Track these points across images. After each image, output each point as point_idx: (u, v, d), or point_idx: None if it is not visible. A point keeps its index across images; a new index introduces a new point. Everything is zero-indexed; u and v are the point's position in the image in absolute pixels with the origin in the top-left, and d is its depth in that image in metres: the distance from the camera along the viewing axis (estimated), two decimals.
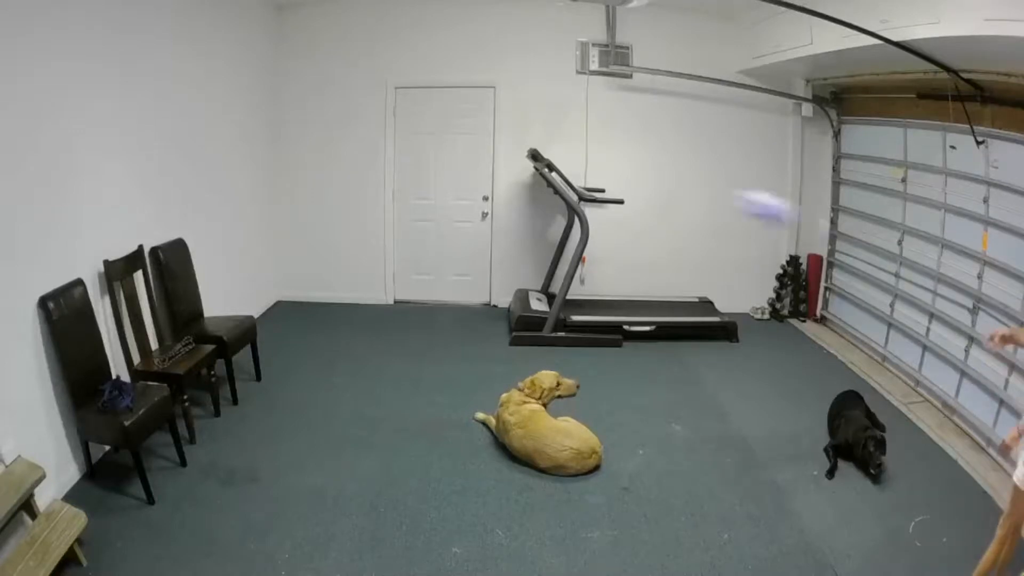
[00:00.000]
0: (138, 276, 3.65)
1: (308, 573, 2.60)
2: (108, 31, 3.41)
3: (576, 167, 5.77)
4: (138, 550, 2.68)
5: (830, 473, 3.39)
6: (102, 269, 3.35)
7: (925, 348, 4.42)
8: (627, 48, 5.76)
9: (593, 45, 5.77)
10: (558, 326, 5.22)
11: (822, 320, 5.93)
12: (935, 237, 4.33)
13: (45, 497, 2.70)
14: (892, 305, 4.83)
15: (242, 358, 4.20)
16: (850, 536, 2.89)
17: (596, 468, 3.37)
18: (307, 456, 3.47)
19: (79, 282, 3.10)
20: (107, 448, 3.32)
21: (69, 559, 2.48)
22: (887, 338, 4.91)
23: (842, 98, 5.59)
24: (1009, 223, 3.65)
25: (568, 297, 5.29)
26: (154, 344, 3.75)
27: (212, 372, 3.80)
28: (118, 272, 3.43)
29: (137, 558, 2.63)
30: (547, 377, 3.71)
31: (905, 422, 4.04)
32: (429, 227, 6.16)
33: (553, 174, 5.22)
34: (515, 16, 5.76)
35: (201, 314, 4.21)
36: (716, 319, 5.49)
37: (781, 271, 6.12)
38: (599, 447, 3.40)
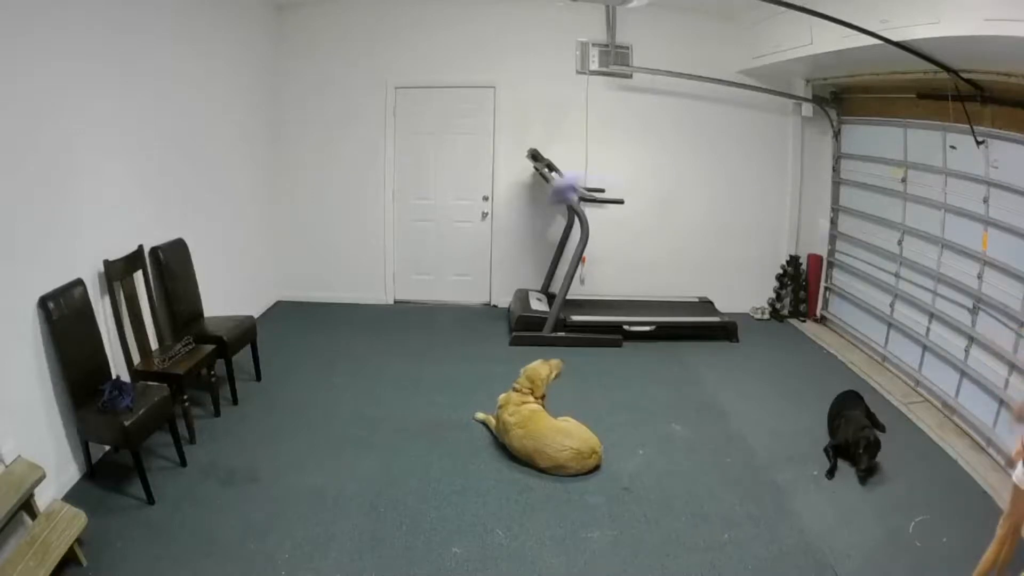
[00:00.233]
0: (138, 276, 3.65)
1: (308, 573, 2.60)
2: (108, 31, 3.41)
3: (576, 167, 5.76)
4: (138, 550, 2.68)
5: (830, 473, 3.39)
6: (102, 269, 3.35)
7: (925, 348, 4.42)
8: (627, 48, 5.76)
9: (593, 45, 5.77)
10: (558, 326, 5.22)
11: (822, 320, 5.93)
12: (935, 237, 4.33)
13: (45, 497, 2.70)
14: (892, 305, 4.83)
15: (242, 358, 4.20)
16: (850, 536, 2.89)
17: (596, 468, 3.37)
18: (307, 456, 3.47)
19: (79, 282, 3.10)
20: (107, 448, 3.32)
21: (69, 559, 2.48)
22: (887, 338, 4.91)
23: (842, 98, 5.59)
24: (1009, 223, 3.65)
25: (568, 297, 5.29)
26: (154, 344, 3.75)
27: (212, 372, 3.80)
28: (118, 272, 3.43)
29: (137, 558, 2.63)
30: (540, 368, 3.71)
31: (905, 422, 4.04)
32: (429, 227, 6.16)
33: (553, 174, 5.22)
34: (515, 16, 5.76)
35: (201, 314, 4.21)
36: (716, 319, 5.49)
37: (781, 271, 6.12)
38: (599, 447, 3.40)
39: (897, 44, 3.47)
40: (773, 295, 6.15)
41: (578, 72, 5.83)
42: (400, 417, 3.92)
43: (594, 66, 5.79)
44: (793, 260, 6.05)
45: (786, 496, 3.21)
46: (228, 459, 3.41)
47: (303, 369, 4.61)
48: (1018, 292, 3.56)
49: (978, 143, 3.80)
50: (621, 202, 5.36)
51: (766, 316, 6.06)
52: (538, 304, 5.54)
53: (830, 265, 5.83)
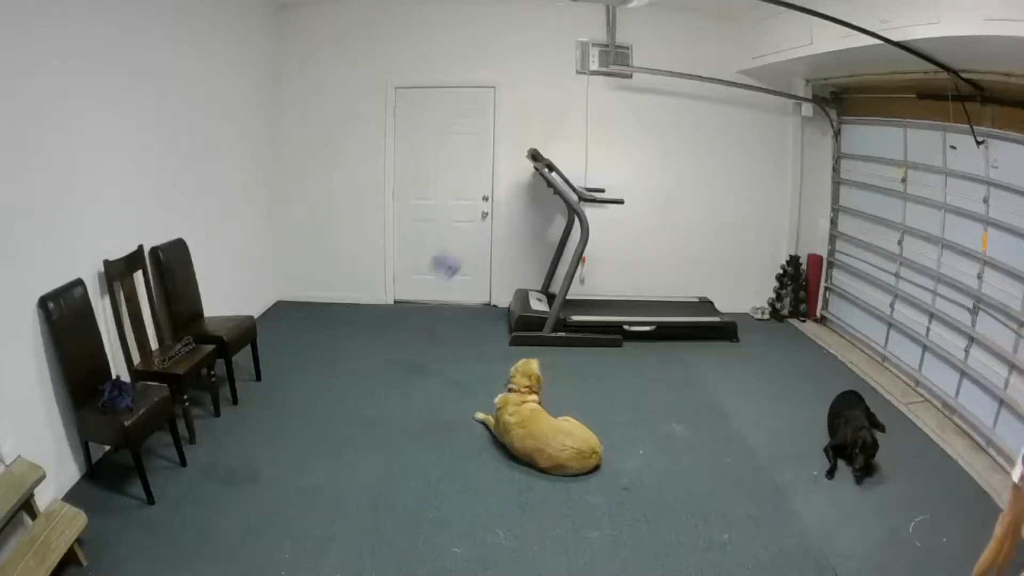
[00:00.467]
0: (138, 276, 3.65)
1: (308, 573, 2.60)
2: (108, 31, 3.41)
3: (576, 167, 5.77)
4: (138, 550, 2.68)
5: (830, 473, 3.39)
6: (102, 269, 3.35)
7: (925, 348, 4.42)
8: (627, 48, 5.76)
9: (593, 45, 5.77)
10: (558, 326, 5.22)
11: (822, 320, 5.93)
12: (935, 237, 4.33)
13: (45, 497, 2.70)
14: (892, 305, 4.83)
15: (242, 358, 4.20)
16: (850, 536, 2.89)
17: (596, 468, 3.37)
18: (307, 456, 3.47)
19: (79, 282, 3.10)
20: (107, 448, 3.32)
21: (69, 559, 2.48)
22: (887, 338, 4.91)
23: (842, 98, 5.59)
24: (1009, 223, 3.65)
25: (568, 297, 5.29)
26: (154, 344, 3.75)
27: (212, 372, 3.80)
28: (118, 272, 3.43)
29: (137, 558, 2.63)
30: (531, 364, 3.75)
31: (905, 422, 4.04)
32: (429, 227, 6.15)
33: (553, 174, 5.22)
34: (515, 16, 5.76)
35: (201, 314, 4.21)
36: (716, 319, 5.48)
37: (781, 271, 6.12)
38: (599, 447, 3.40)
39: (897, 44, 3.47)
40: (773, 295, 6.15)
41: (578, 72, 5.83)
42: (400, 417, 3.92)
43: (594, 66, 5.79)
44: (793, 260, 6.05)
45: (786, 496, 3.21)
46: (228, 459, 3.41)
47: (303, 369, 4.61)
48: (1018, 292, 3.56)
49: (978, 143, 3.79)
50: (621, 202, 5.37)
51: (766, 316, 6.06)
52: (538, 304, 5.54)
53: (830, 265, 5.83)
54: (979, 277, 3.89)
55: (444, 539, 2.81)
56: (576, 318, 5.28)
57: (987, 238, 3.83)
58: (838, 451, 3.49)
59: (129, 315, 3.51)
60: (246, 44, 5.31)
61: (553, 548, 2.78)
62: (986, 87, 3.70)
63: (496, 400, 3.71)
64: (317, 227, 6.11)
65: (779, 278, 6.13)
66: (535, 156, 5.30)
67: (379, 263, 6.18)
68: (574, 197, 5.23)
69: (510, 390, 3.68)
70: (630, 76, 5.81)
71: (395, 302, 6.25)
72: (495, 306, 6.21)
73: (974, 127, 3.78)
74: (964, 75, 3.70)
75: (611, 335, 5.22)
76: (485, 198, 6.08)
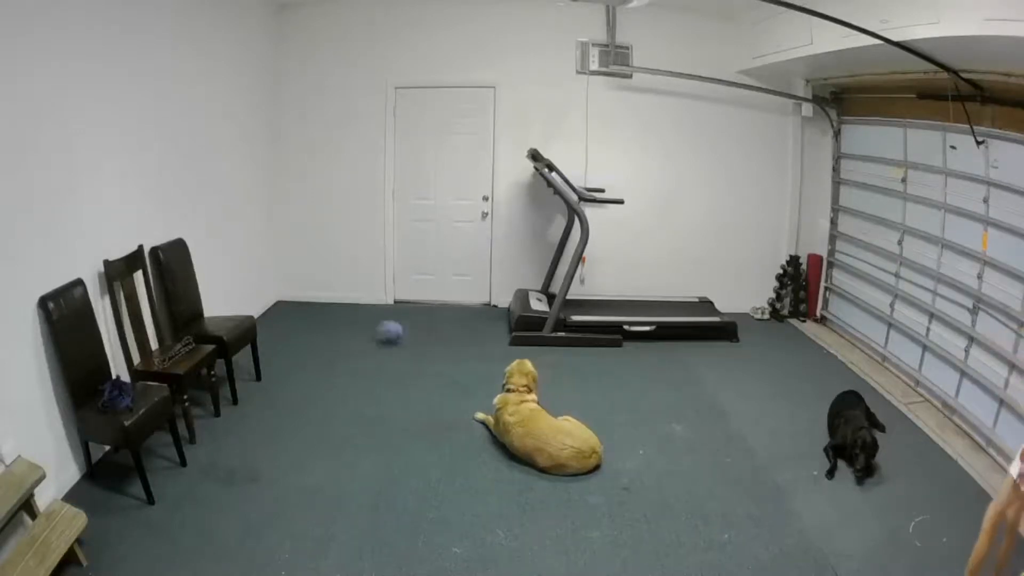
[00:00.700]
0: (138, 276, 3.65)
1: (308, 573, 2.60)
2: (108, 31, 3.41)
3: (576, 167, 5.77)
4: (138, 550, 2.68)
5: (830, 473, 3.39)
6: (102, 269, 3.35)
7: (925, 348, 4.42)
8: (627, 48, 5.76)
9: (593, 45, 5.77)
10: (558, 326, 5.22)
11: (822, 320, 5.93)
12: (935, 237, 4.33)
13: (45, 497, 2.70)
14: (892, 305, 4.83)
15: (242, 358, 4.20)
16: (850, 536, 2.89)
17: (596, 468, 3.37)
18: (307, 456, 3.47)
19: (79, 282, 3.10)
20: (107, 448, 3.32)
21: (69, 559, 2.48)
22: (887, 338, 4.91)
23: (842, 98, 5.59)
24: (1009, 223, 3.65)
25: (568, 297, 5.29)
26: (154, 344, 3.75)
27: (212, 372, 3.80)
28: (118, 272, 3.43)
29: (137, 558, 2.63)
30: (526, 363, 3.80)
31: (905, 422, 4.04)
32: (429, 227, 6.16)
33: (553, 174, 5.22)
34: (515, 16, 5.76)
35: (201, 314, 4.21)
36: (716, 319, 5.49)
37: (781, 271, 6.12)
38: (599, 447, 3.40)
39: (897, 44, 3.47)
40: (773, 295, 6.15)
41: (578, 72, 5.83)
42: (400, 417, 3.92)
43: (594, 66, 5.79)
44: (793, 260, 6.05)
45: (786, 496, 3.21)
46: (228, 459, 3.41)
47: (303, 369, 4.61)
48: (1018, 292, 3.56)
49: (978, 143, 3.79)
50: (621, 202, 5.37)
51: (766, 316, 6.06)
52: (538, 304, 5.54)
53: (830, 265, 5.83)
54: (979, 277, 3.89)
55: (444, 539, 2.81)
56: (576, 318, 5.28)
57: (987, 238, 3.83)
58: (838, 451, 3.49)
59: (129, 315, 3.51)
60: (246, 44, 5.31)
61: (553, 548, 2.78)
62: (986, 87, 3.70)
63: (495, 400, 3.71)
64: (317, 227, 6.11)
65: (779, 278, 6.13)
66: (535, 156, 5.30)
67: (379, 263, 6.19)
68: (574, 197, 5.23)
69: (508, 391, 3.69)
70: (630, 76, 5.81)
71: (395, 302, 6.25)
72: (495, 306, 6.21)
73: (974, 127, 3.78)
74: (964, 75, 3.70)
75: (611, 335, 5.22)
76: (485, 198, 6.08)
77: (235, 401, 4.03)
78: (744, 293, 6.11)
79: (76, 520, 2.55)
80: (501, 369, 3.88)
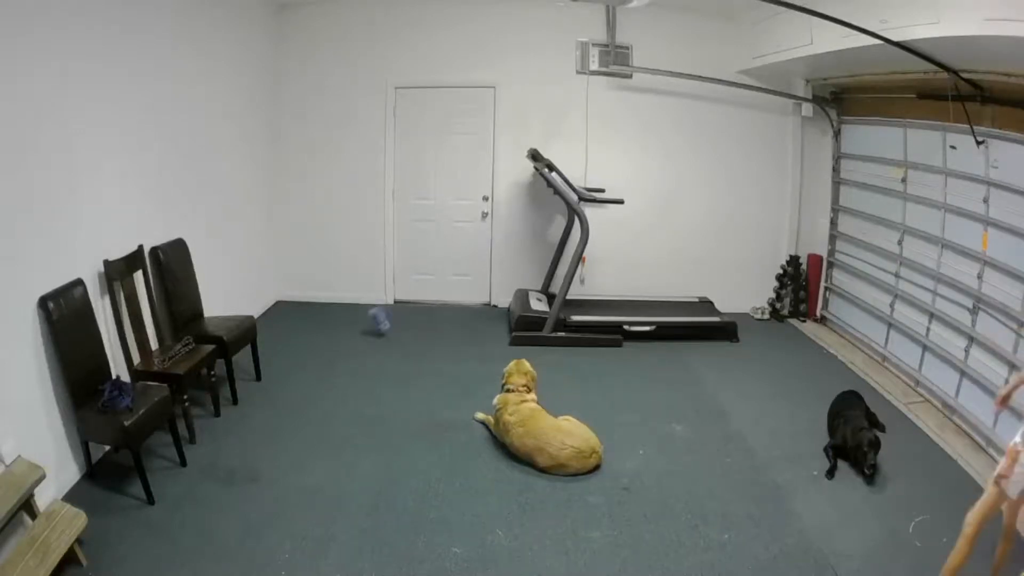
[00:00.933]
0: (138, 276, 3.65)
1: (308, 573, 2.60)
2: (108, 31, 3.41)
3: (576, 167, 5.77)
4: (138, 550, 2.68)
5: (830, 473, 3.39)
6: (102, 269, 3.35)
7: (925, 348, 4.42)
8: (627, 48, 5.76)
9: (593, 45, 5.77)
10: (558, 326, 5.22)
11: (822, 320, 5.93)
12: (935, 237, 4.33)
13: (45, 497, 2.70)
14: (892, 305, 4.83)
15: (242, 358, 4.20)
16: (850, 536, 2.90)
17: (596, 467, 3.37)
18: (307, 456, 3.47)
19: (79, 282, 3.10)
20: (107, 448, 3.32)
21: (69, 559, 2.48)
22: (887, 338, 4.91)
23: (842, 98, 5.59)
24: (1009, 223, 3.65)
25: (568, 297, 5.29)
26: (154, 344, 3.75)
27: (212, 372, 3.80)
28: (118, 272, 3.43)
29: (137, 558, 2.63)
30: (523, 363, 3.82)
31: (905, 422, 4.04)
32: (429, 227, 6.16)
33: (553, 174, 5.22)
34: (515, 16, 5.76)
35: (201, 314, 4.21)
36: (716, 319, 5.49)
37: (781, 271, 6.12)
38: (599, 447, 3.40)
39: (897, 44, 3.47)
40: (773, 295, 6.15)
41: (578, 72, 5.83)
42: (400, 417, 3.92)
43: (594, 66, 5.79)
44: (793, 260, 6.05)
45: (786, 496, 3.21)
46: (228, 459, 3.41)
47: (303, 369, 4.61)
48: (1018, 292, 3.56)
49: (978, 143, 3.80)
50: (621, 202, 5.37)
51: (766, 316, 6.06)
52: (538, 304, 5.54)
53: (830, 265, 5.83)
54: (979, 277, 3.89)
55: (444, 539, 2.81)
56: (576, 318, 5.28)
57: (987, 238, 3.83)
58: (838, 451, 3.49)
59: (129, 315, 3.51)
60: (246, 44, 5.31)
61: (553, 548, 2.78)
62: (986, 87, 3.70)
63: (495, 401, 3.72)
64: (317, 227, 6.11)
65: (779, 278, 6.13)
66: (535, 156, 5.30)
67: (379, 263, 6.19)
68: (574, 197, 5.23)
69: (507, 391, 3.69)
70: (630, 76, 5.81)
71: (395, 302, 6.25)
72: (495, 306, 6.21)
73: (974, 127, 3.78)
74: (964, 75, 3.70)
75: (611, 335, 5.22)
76: (485, 198, 6.08)
77: (235, 401, 4.03)
78: (744, 293, 6.11)
79: (76, 520, 2.55)
80: (501, 369, 3.88)
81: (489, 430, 3.73)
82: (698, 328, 5.42)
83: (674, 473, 3.39)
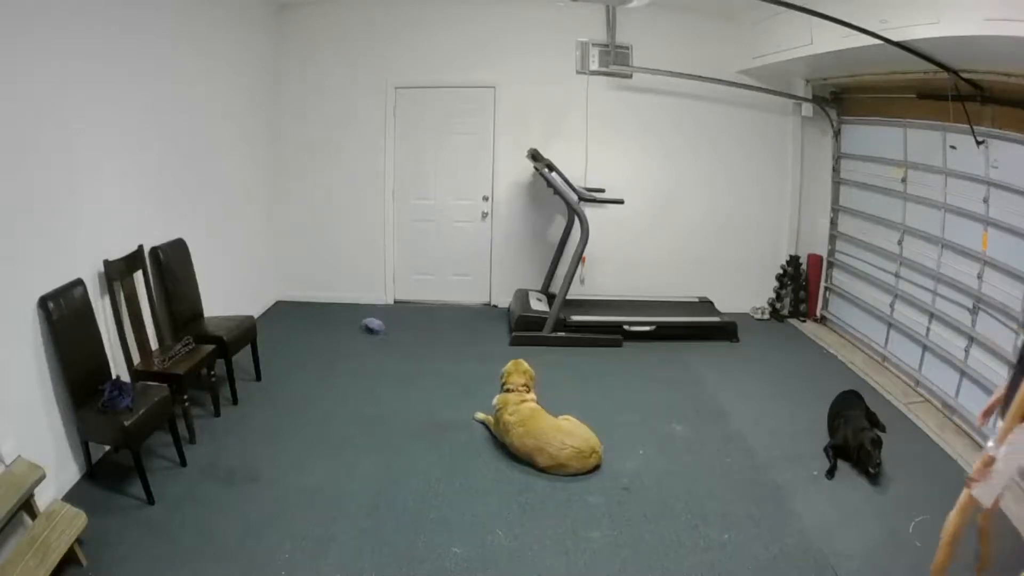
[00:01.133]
0: (138, 276, 3.65)
1: (308, 573, 2.60)
2: (108, 31, 3.41)
3: (576, 167, 5.77)
4: (138, 550, 2.68)
5: (830, 473, 3.39)
6: (102, 269, 3.35)
7: (925, 348, 4.42)
8: (627, 48, 5.76)
9: (593, 45, 5.77)
10: (558, 326, 5.22)
11: (822, 320, 5.93)
12: (935, 237, 4.33)
13: (45, 497, 2.70)
14: (892, 305, 4.83)
15: (242, 358, 4.20)
16: (850, 536, 2.89)
17: (596, 467, 3.37)
18: (307, 456, 3.47)
19: (79, 282, 3.10)
20: (107, 448, 3.32)
21: (69, 559, 2.48)
22: (887, 338, 4.91)
23: (842, 98, 5.59)
24: (1009, 223, 3.65)
25: (568, 297, 5.29)
26: (154, 344, 3.75)
27: (212, 372, 3.80)
28: (118, 272, 3.43)
29: (137, 558, 2.63)
30: (521, 363, 3.83)
31: (905, 422, 4.04)
32: (429, 227, 6.16)
33: (553, 174, 5.22)
34: (515, 16, 5.76)
35: (201, 314, 4.21)
36: (716, 319, 5.49)
37: (781, 271, 6.12)
38: (599, 446, 3.40)
39: (897, 44, 3.47)
40: (773, 295, 6.15)
41: (578, 72, 5.83)
42: (400, 417, 3.92)
43: (594, 66, 5.79)
44: (793, 260, 6.05)
45: (786, 496, 3.21)
46: (228, 459, 3.41)
47: (303, 369, 4.61)
48: (1018, 292, 3.56)
49: (978, 143, 3.79)
50: (621, 202, 5.37)
51: (766, 316, 6.06)
52: (538, 304, 5.54)
53: (830, 265, 5.83)
54: (979, 277, 3.89)
55: (444, 539, 2.81)
56: (576, 318, 5.28)
57: (987, 238, 3.83)
58: (838, 451, 3.49)
59: (129, 315, 3.51)
60: (246, 44, 5.31)
61: (553, 548, 2.78)
62: (986, 87, 3.70)
63: (495, 401, 3.72)
64: (317, 227, 6.11)
65: (779, 278, 6.13)
66: (535, 156, 5.30)
67: (379, 263, 6.19)
68: (574, 197, 5.23)
69: (507, 391, 3.69)
70: (630, 76, 5.81)
71: (395, 302, 6.25)
72: (495, 306, 6.21)
73: (974, 127, 3.78)
74: (964, 75, 3.70)
75: (611, 335, 5.22)
76: (485, 198, 6.08)
77: (235, 401, 4.03)
78: (744, 293, 6.11)
79: (76, 520, 2.55)
80: (501, 369, 3.88)
81: (489, 430, 3.73)
82: (698, 328, 5.42)
83: (674, 473, 3.39)
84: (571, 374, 4.60)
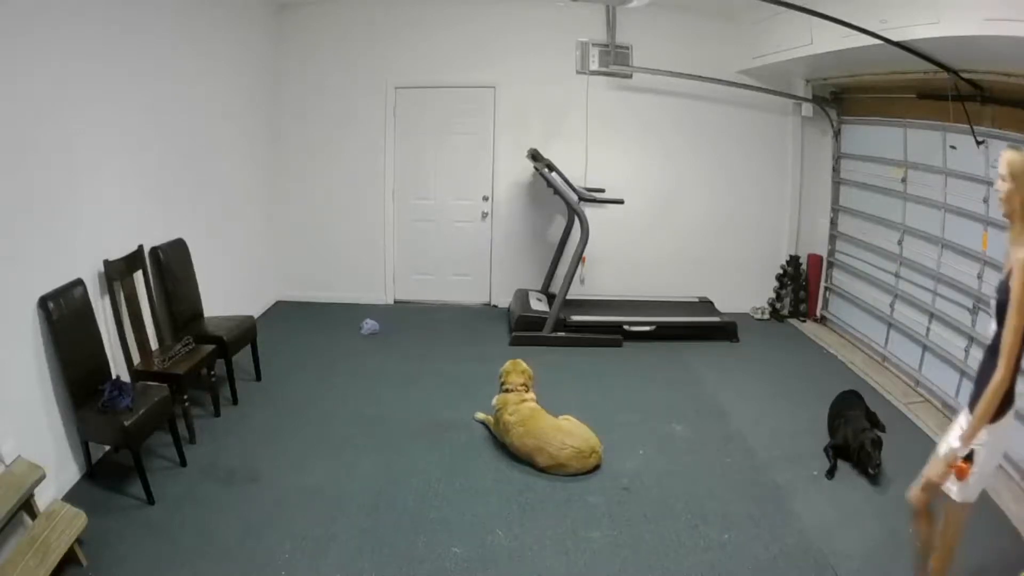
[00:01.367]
0: (138, 276, 3.65)
1: (308, 573, 2.60)
2: (108, 31, 3.41)
3: (576, 167, 5.77)
4: (138, 550, 2.68)
5: (830, 473, 3.39)
6: (102, 269, 3.35)
7: (925, 348, 4.42)
8: (627, 48, 5.76)
9: (593, 45, 5.77)
10: (558, 326, 5.22)
11: (822, 320, 5.93)
12: (935, 237, 4.33)
13: (45, 497, 2.70)
14: (892, 305, 4.83)
15: (242, 358, 4.20)
16: (850, 536, 2.89)
17: (596, 467, 3.37)
18: (307, 456, 3.47)
19: (79, 282, 3.10)
20: (107, 448, 3.31)
21: (69, 559, 2.48)
22: (887, 338, 4.91)
23: (842, 98, 5.59)
24: (1009, 223, 3.64)
25: (568, 297, 5.29)
26: (154, 344, 3.75)
27: (212, 372, 3.80)
28: (118, 272, 3.43)
29: (137, 558, 2.63)
30: (520, 362, 3.82)
31: (905, 422, 4.03)
32: (429, 227, 6.16)
33: (553, 174, 5.22)
34: (515, 16, 5.76)
35: (201, 314, 4.21)
36: (716, 319, 5.48)
37: (781, 271, 6.12)
38: (599, 446, 3.40)
39: (897, 44, 3.47)
40: (773, 295, 6.15)
41: (578, 72, 5.83)
42: (400, 417, 3.92)
43: (594, 66, 5.79)
44: (793, 260, 6.05)
45: (786, 496, 3.21)
46: (228, 459, 3.41)
47: (303, 369, 4.61)
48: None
49: (978, 143, 3.79)
50: (621, 202, 5.37)
51: (766, 316, 6.06)
52: (538, 304, 5.54)
53: (830, 265, 5.83)
54: (979, 277, 3.89)
55: (444, 539, 2.81)
56: (576, 318, 5.28)
57: (987, 238, 3.83)
58: (838, 451, 3.49)
59: (129, 315, 3.51)
60: (246, 44, 5.31)
61: (553, 548, 2.78)
62: (986, 87, 3.70)
63: (494, 401, 3.72)
64: (317, 227, 6.11)
65: (779, 278, 6.13)
66: (535, 156, 5.30)
67: (379, 263, 6.19)
68: (574, 197, 5.23)
69: (506, 391, 3.69)
70: (630, 76, 5.81)
71: (395, 302, 6.25)
72: (495, 306, 6.21)
73: (974, 127, 3.78)
74: (964, 75, 3.70)
75: (611, 335, 5.22)
76: (485, 198, 6.08)
77: (235, 401, 4.03)
78: (744, 293, 6.11)
79: (76, 520, 2.55)
80: (501, 369, 3.88)
81: (489, 430, 3.73)
82: (698, 328, 5.42)
83: (674, 473, 3.39)
84: (571, 374, 4.60)
